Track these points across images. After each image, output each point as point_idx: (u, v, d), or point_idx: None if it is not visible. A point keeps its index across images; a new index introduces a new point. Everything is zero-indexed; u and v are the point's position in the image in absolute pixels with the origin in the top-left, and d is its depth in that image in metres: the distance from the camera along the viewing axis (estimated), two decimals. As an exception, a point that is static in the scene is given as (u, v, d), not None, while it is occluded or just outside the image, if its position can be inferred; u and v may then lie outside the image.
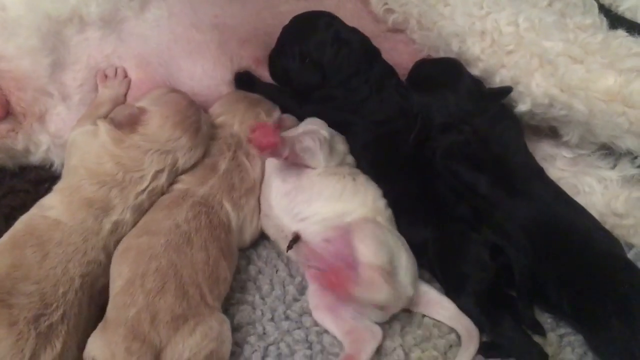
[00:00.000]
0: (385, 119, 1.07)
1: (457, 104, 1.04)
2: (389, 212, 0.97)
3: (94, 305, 0.90)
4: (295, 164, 1.01)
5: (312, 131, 1.05)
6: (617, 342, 0.82)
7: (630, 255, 0.99)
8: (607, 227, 0.99)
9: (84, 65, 1.12)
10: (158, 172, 0.98)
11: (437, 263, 0.93)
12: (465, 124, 1.03)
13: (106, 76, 1.14)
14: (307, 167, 1.01)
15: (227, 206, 0.99)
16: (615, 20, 1.12)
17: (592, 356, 0.87)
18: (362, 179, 1.00)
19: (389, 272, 0.86)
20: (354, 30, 1.12)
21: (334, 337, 0.91)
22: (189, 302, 0.86)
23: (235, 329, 0.94)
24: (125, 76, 1.14)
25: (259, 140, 0.93)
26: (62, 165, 1.11)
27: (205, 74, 1.14)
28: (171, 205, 0.96)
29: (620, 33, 1.02)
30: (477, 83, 1.07)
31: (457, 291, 0.90)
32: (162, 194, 0.99)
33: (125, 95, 1.14)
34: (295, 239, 0.95)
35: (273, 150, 0.95)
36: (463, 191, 0.98)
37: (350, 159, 1.06)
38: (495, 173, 0.99)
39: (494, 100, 1.05)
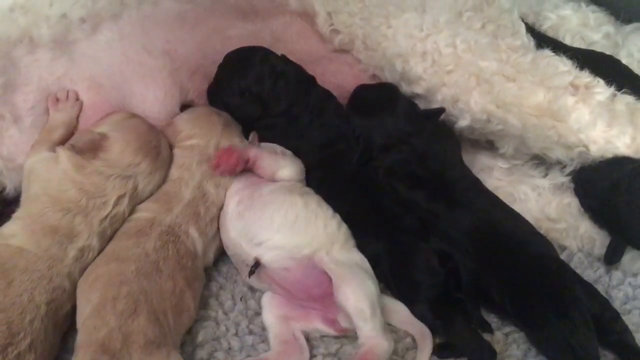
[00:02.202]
0: (328, 142, 1.12)
1: (395, 126, 1.10)
2: (342, 229, 1.01)
3: (58, 332, 0.91)
4: (252, 179, 1.05)
5: (272, 146, 1.11)
6: (557, 338, 0.89)
7: (563, 256, 1.08)
8: (542, 231, 1.07)
9: (35, 87, 1.11)
10: (120, 198, 1.00)
11: (389, 274, 0.98)
12: (403, 144, 1.09)
13: (57, 99, 1.12)
14: (262, 181, 1.05)
15: (194, 234, 1.01)
16: (540, 39, 1.22)
17: (535, 351, 0.94)
18: (314, 203, 1.02)
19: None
20: (288, 61, 1.16)
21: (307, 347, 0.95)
22: (161, 328, 0.88)
23: (200, 345, 0.96)
24: (77, 99, 1.14)
25: (228, 166, 1.01)
26: (15, 189, 1.10)
27: (157, 101, 1.15)
28: (139, 234, 0.97)
29: (547, 53, 1.11)
30: (412, 105, 1.14)
31: (411, 299, 0.96)
32: (124, 220, 1.00)
33: (78, 118, 1.14)
34: (256, 264, 0.97)
35: (241, 163, 1.03)
36: (407, 205, 1.04)
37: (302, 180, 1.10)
38: (434, 188, 1.06)
39: (429, 121, 1.12)
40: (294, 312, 0.97)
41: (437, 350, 0.93)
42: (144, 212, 1.01)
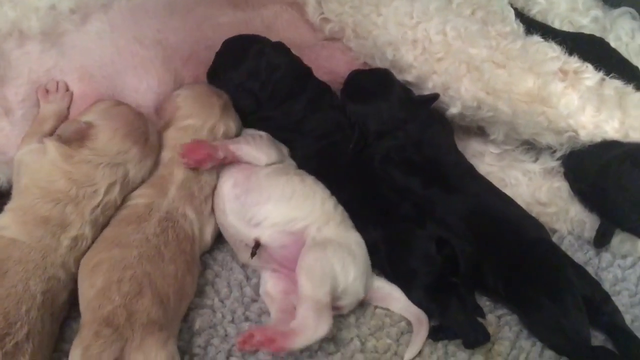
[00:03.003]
0: (324, 134, 1.12)
1: (390, 112, 1.11)
2: (339, 210, 1.02)
3: (55, 321, 0.91)
4: (244, 164, 1.05)
5: (247, 133, 1.11)
6: (549, 319, 0.91)
7: (553, 239, 1.08)
8: (533, 215, 1.08)
9: (26, 79, 1.11)
10: (110, 186, 1.00)
11: (387, 261, 1.00)
12: (398, 130, 1.10)
13: (47, 91, 1.12)
14: (255, 165, 1.05)
15: (190, 215, 1.01)
16: (529, 24, 1.22)
17: (526, 333, 0.96)
18: (310, 180, 1.05)
19: (326, 304, 0.90)
20: (284, 53, 1.15)
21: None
22: (165, 311, 0.89)
23: (197, 333, 0.97)
24: (67, 90, 1.13)
25: (193, 160, 0.99)
26: (7, 182, 1.10)
27: (150, 89, 1.15)
28: (139, 219, 0.97)
29: (537, 39, 1.12)
30: (407, 91, 1.14)
31: (408, 286, 0.97)
32: (116, 208, 1.00)
33: (68, 109, 1.13)
34: (257, 245, 0.98)
35: (210, 159, 1.00)
36: (403, 192, 1.05)
37: (292, 162, 1.11)
38: (430, 174, 1.07)
39: (423, 107, 1.12)
40: (293, 287, 0.97)
41: (431, 332, 0.95)
42: (141, 198, 1.01)
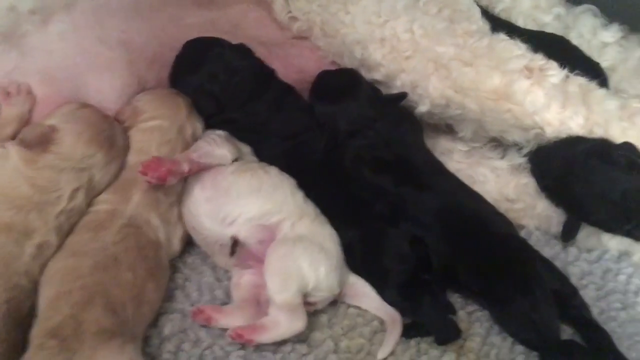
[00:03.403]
0: (290, 135, 1.12)
1: (359, 111, 1.11)
2: (310, 204, 1.02)
3: (20, 331, 0.88)
4: (199, 170, 1.03)
5: (206, 134, 1.09)
6: (520, 314, 0.92)
7: (522, 234, 1.10)
8: (501, 211, 1.08)
9: (-15, 83, 1.08)
10: (75, 191, 0.97)
11: (360, 261, 1.00)
12: (368, 129, 1.10)
13: (8, 94, 1.09)
14: (217, 166, 1.03)
15: (155, 221, 0.99)
16: (494, 22, 1.24)
17: (497, 329, 0.97)
18: (275, 171, 1.04)
19: (297, 304, 0.91)
20: (245, 55, 1.14)
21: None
22: (118, 319, 0.86)
23: (167, 338, 0.96)
24: (29, 92, 1.10)
25: (155, 176, 0.96)
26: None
27: (114, 92, 1.12)
28: (98, 227, 0.95)
29: (503, 37, 1.13)
30: (375, 90, 1.15)
31: (381, 285, 0.97)
32: (81, 213, 0.98)
33: (31, 112, 1.10)
34: (235, 243, 0.97)
35: (173, 174, 0.98)
36: (376, 191, 1.05)
37: (254, 158, 1.10)
38: (401, 172, 1.07)
39: (392, 106, 1.13)
40: (261, 280, 0.96)
41: (404, 330, 0.95)
42: (103, 204, 0.99)
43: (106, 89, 1.12)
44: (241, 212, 0.99)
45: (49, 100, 1.11)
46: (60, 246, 0.95)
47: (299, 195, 1.02)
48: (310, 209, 1.01)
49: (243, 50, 1.15)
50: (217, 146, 1.05)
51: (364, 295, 0.98)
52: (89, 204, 1.00)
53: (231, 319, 0.95)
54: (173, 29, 1.19)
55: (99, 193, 1.01)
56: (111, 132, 1.03)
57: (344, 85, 1.13)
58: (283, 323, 0.90)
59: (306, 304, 0.95)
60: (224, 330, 0.96)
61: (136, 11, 1.17)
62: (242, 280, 0.99)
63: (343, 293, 0.99)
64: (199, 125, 1.10)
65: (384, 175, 1.06)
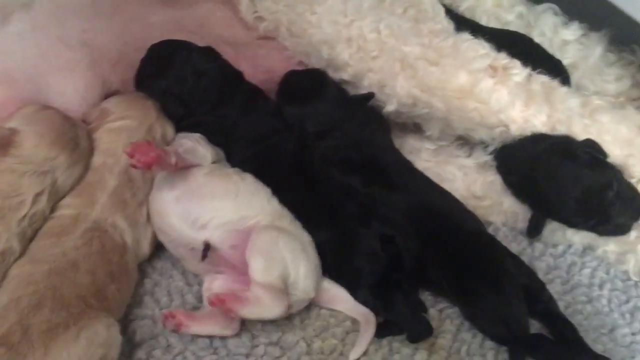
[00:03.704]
0: (259, 138, 1.11)
1: (327, 112, 1.11)
2: (285, 209, 1.01)
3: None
4: (182, 168, 1.01)
5: (186, 135, 1.07)
6: (490, 310, 0.93)
7: (489, 231, 1.11)
8: (469, 208, 1.10)
9: (-59, 85, 1.05)
10: (38, 195, 0.95)
11: (332, 262, 0.99)
12: (336, 130, 1.10)
13: (-34, 97, 1.06)
14: (193, 167, 1.02)
15: (121, 224, 0.97)
16: (458, 21, 1.25)
17: (467, 326, 0.98)
18: (250, 178, 1.03)
19: (280, 289, 0.90)
20: (213, 58, 1.13)
21: (239, 339, 0.95)
22: (69, 311, 0.84)
23: (137, 345, 0.94)
24: (-12, 95, 1.08)
25: (143, 161, 0.93)
26: None
27: (77, 94, 1.10)
28: (60, 233, 0.93)
29: (467, 36, 1.14)
30: (342, 91, 1.15)
31: (353, 285, 0.97)
32: (45, 218, 0.96)
33: (-10, 115, 1.07)
34: (207, 247, 0.96)
35: (160, 163, 0.95)
36: (346, 192, 1.05)
37: (227, 164, 1.09)
38: (370, 172, 1.07)
39: (359, 106, 1.13)
40: (237, 287, 0.95)
41: (376, 330, 0.95)
42: (67, 208, 0.97)
43: (69, 91, 1.10)
44: (214, 216, 0.97)
45: (9, 102, 1.08)
46: (24, 252, 0.92)
47: (275, 202, 1.01)
48: (286, 212, 1.00)
49: (210, 53, 1.13)
50: (199, 145, 1.03)
51: (338, 299, 0.98)
52: (53, 208, 0.97)
53: (203, 326, 0.93)
54: (137, 28, 1.17)
55: (63, 196, 0.98)
56: (74, 133, 1.01)
57: (310, 86, 1.13)
58: (265, 301, 0.89)
59: None
60: (196, 336, 0.95)
61: (97, 10, 1.15)
62: (214, 285, 0.98)
63: (317, 298, 0.98)
64: (169, 128, 1.09)
65: (353, 175, 1.07)
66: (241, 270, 0.95)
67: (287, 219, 0.99)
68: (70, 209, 0.97)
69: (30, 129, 0.97)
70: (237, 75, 1.15)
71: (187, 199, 0.98)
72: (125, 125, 1.04)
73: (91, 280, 0.89)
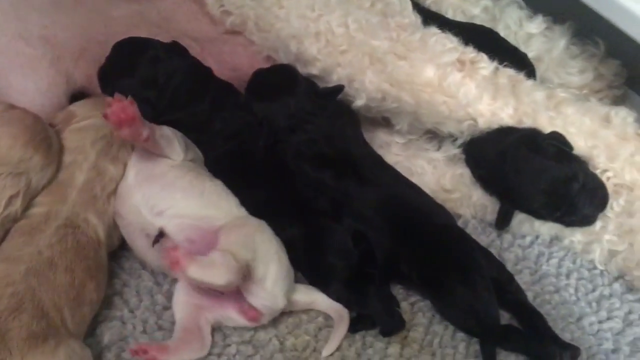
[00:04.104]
0: (232, 134, 1.09)
1: (297, 106, 1.09)
2: (254, 218, 0.99)
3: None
4: (153, 154, 1.00)
5: (170, 128, 1.05)
6: (461, 302, 0.94)
7: (459, 223, 1.12)
8: (439, 202, 1.11)
9: None
10: (12, 197, 0.93)
11: (304, 258, 0.99)
12: (308, 124, 1.09)
13: None
14: (163, 156, 1.00)
15: (93, 220, 0.96)
16: (425, 15, 1.25)
17: (439, 318, 0.99)
18: (221, 183, 1.02)
19: (238, 265, 0.87)
20: (181, 56, 1.10)
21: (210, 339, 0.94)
22: (49, 322, 0.83)
23: (106, 347, 0.93)
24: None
25: (117, 115, 0.89)
26: None
27: (39, 92, 1.08)
28: (33, 231, 0.91)
29: (435, 30, 1.14)
30: (311, 84, 1.14)
31: (326, 281, 0.97)
32: (17, 219, 0.93)
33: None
34: (160, 234, 0.94)
35: (132, 127, 0.92)
36: (317, 187, 1.05)
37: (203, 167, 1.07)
38: (342, 166, 1.07)
39: (330, 99, 1.12)
40: (206, 301, 0.95)
41: (350, 325, 0.95)
42: (38, 207, 0.95)
43: (31, 90, 1.07)
44: (173, 206, 0.95)
45: (-31, 101, 1.05)
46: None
47: (244, 210, 1.00)
48: (254, 220, 0.98)
49: (177, 50, 1.11)
50: (176, 139, 1.01)
51: (310, 300, 0.97)
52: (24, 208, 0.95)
53: (177, 354, 0.89)
54: (99, 23, 1.14)
55: (35, 196, 0.96)
56: (46, 133, 0.98)
57: (279, 81, 1.12)
58: (216, 265, 0.85)
59: (253, 316, 0.93)
60: (167, 335, 0.95)
61: (58, 5, 1.12)
62: (183, 299, 0.95)
63: (292, 304, 0.96)
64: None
65: (325, 170, 1.06)
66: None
67: (254, 225, 0.97)
68: (42, 207, 0.95)
69: (3, 130, 0.95)
70: (207, 71, 1.13)
71: (149, 183, 0.97)
72: (91, 123, 1.03)
73: (70, 280, 0.88)
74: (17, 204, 0.93)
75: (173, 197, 0.96)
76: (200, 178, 1.00)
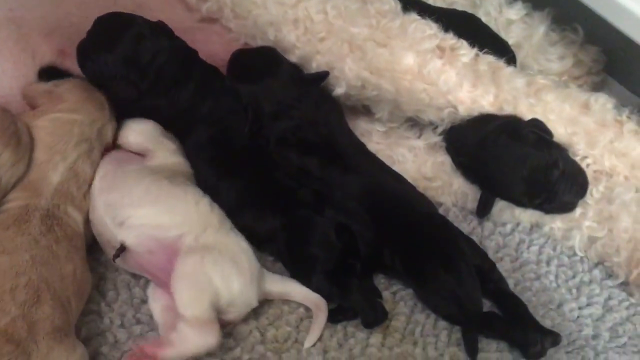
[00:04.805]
0: (216, 120, 1.06)
1: (283, 90, 1.07)
2: (215, 211, 0.96)
3: None
4: (119, 155, 1.00)
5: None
6: (444, 290, 0.94)
7: (440, 211, 1.12)
8: (420, 190, 1.11)
9: None
10: None
11: (285, 249, 0.98)
12: (293, 110, 1.07)
13: None
14: (128, 158, 1.00)
15: (73, 212, 0.94)
16: (405, 1, 1.24)
17: (421, 307, 0.98)
18: (181, 178, 0.99)
19: (208, 320, 0.86)
20: (167, 36, 1.06)
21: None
22: (67, 316, 0.83)
23: (84, 341, 0.90)
24: None
25: None
26: None
27: (5, 75, 1.04)
28: (18, 222, 0.88)
29: (414, 16, 1.13)
30: (296, 68, 1.11)
31: (307, 273, 0.95)
32: None
33: None
34: (122, 248, 0.92)
35: None
36: (300, 176, 1.03)
37: (184, 164, 1.04)
38: (326, 154, 1.05)
39: (314, 85, 1.11)
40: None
41: (330, 315, 0.95)
42: (13, 202, 0.92)
43: None
44: (131, 215, 0.93)
45: None
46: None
47: (204, 203, 0.96)
48: (214, 216, 0.95)
49: (163, 30, 1.06)
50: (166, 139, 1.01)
51: (285, 291, 0.96)
52: (-5, 207, 0.92)
53: (181, 345, 0.86)
54: (70, 6, 1.11)
55: (5, 195, 0.93)
56: (15, 128, 0.94)
57: (263, 63, 1.09)
58: (191, 339, 0.84)
59: (221, 321, 0.90)
60: (145, 329, 0.93)
61: (25, -12, 1.08)
62: (155, 303, 0.94)
63: (267, 295, 0.95)
64: (115, 125, 1.05)
65: (310, 157, 1.04)
66: (159, 278, 0.93)
67: (213, 227, 0.94)
68: (17, 201, 0.92)
69: None
70: (193, 53, 1.09)
71: (109, 192, 0.96)
72: (77, 120, 0.99)
73: (73, 270, 0.87)
74: None
75: (132, 205, 0.94)
76: (156, 182, 0.96)
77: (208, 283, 0.87)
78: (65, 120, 0.99)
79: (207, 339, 0.85)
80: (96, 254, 1.02)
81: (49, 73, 1.08)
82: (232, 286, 0.89)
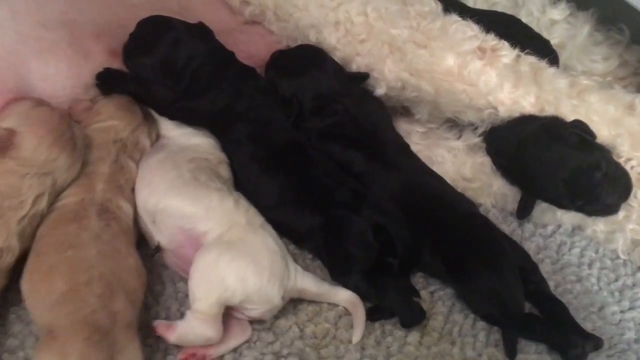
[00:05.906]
0: (253, 118, 1.08)
1: (327, 83, 1.09)
2: (242, 208, 0.97)
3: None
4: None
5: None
6: (486, 288, 0.93)
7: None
8: (459, 190, 1.11)
9: None
10: (38, 197, 0.93)
11: (324, 247, 0.99)
12: (337, 104, 1.09)
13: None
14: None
15: (125, 205, 0.98)
16: (446, 3, 1.24)
17: (459, 307, 0.98)
18: (204, 177, 1.00)
19: (214, 315, 0.88)
20: (203, 39, 1.09)
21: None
22: (135, 310, 0.86)
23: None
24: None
25: None
26: None
27: (60, 74, 1.08)
28: (78, 217, 0.92)
29: (455, 18, 1.13)
30: (339, 66, 1.13)
31: (345, 272, 0.96)
32: (43, 216, 0.94)
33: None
34: (157, 248, 0.96)
35: None
36: (340, 172, 1.04)
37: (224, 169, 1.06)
38: (369, 149, 1.07)
39: (356, 83, 1.12)
40: None
41: (368, 314, 0.95)
42: (68, 198, 0.96)
43: (51, 74, 1.08)
44: (160, 209, 0.97)
45: (-7, 93, 1.06)
46: (22, 251, 0.91)
47: (229, 201, 0.97)
48: (240, 214, 0.96)
49: (200, 33, 1.09)
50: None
51: (320, 294, 0.97)
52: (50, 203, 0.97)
53: (223, 346, 0.91)
54: (119, 9, 1.15)
55: (61, 193, 0.98)
56: (71, 133, 0.99)
57: (307, 57, 1.11)
58: (192, 330, 0.88)
59: (248, 317, 0.93)
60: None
61: (76, -8, 1.13)
62: None
63: (300, 293, 0.96)
64: (153, 129, 1.10)
65: (352, 152, 1.06)
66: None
67: (240, 225, 0.95)
68: (72, 197, 0.96)
69: (29, 130, 0.95)
70: (229, 56, 1.11)
71: (141, 187, 1.00)
72: (112, 125, 1.05)
73: (135, 264, 0.90)
74: (43, 204, 0.94)
75: (158, 201, 0.97)
76: (181, 176, 0.99)
77: (219, 282, 0.89)
78: (102, 127, 1.05)
79: (207, 332, 0.88)
80: (141, 248, 1.04)
81: (107, 79, 1.12)
82: (247, 285, 0.90)
